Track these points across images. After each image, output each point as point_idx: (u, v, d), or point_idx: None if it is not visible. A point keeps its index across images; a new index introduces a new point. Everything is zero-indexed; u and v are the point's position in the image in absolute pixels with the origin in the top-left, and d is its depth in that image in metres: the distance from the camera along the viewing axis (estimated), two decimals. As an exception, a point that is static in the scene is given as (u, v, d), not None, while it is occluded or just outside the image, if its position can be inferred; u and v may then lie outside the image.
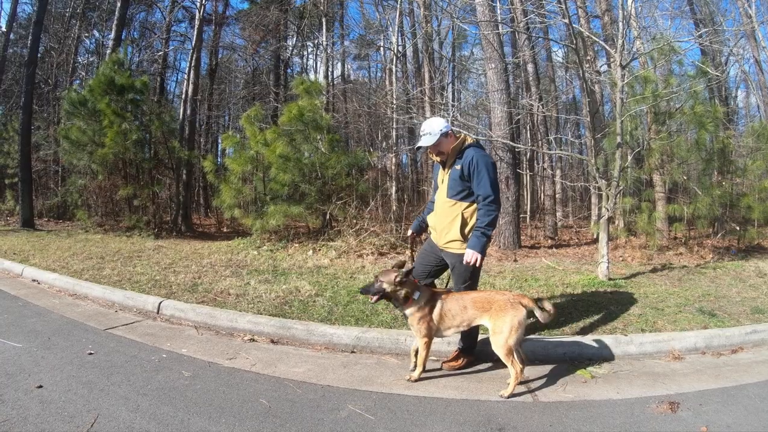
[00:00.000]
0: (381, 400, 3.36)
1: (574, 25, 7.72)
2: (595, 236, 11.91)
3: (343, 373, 3.82)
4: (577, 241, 13.10)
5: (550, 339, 4.39)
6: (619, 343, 4.28)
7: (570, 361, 4.08)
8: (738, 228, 10.54)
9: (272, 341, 4.54)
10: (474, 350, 4.05)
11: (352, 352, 4.33)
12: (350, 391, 3.50)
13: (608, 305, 5.53)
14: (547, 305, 3.60)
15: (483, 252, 3.82)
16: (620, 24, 7.86)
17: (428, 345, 3.70)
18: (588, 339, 4.37)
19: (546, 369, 3.96)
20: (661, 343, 4.32)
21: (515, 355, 3.48)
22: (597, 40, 9.70)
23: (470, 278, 4.00)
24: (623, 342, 4.29)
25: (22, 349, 4.08)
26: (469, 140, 4.12)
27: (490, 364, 4.02)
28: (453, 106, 14.03)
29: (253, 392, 3.41)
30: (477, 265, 3.84)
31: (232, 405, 3.19)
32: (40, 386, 3.34)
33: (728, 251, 9.99)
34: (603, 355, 4.18)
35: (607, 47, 8.74)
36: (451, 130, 4.13)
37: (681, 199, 11.62)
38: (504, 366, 3.53)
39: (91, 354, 4.02)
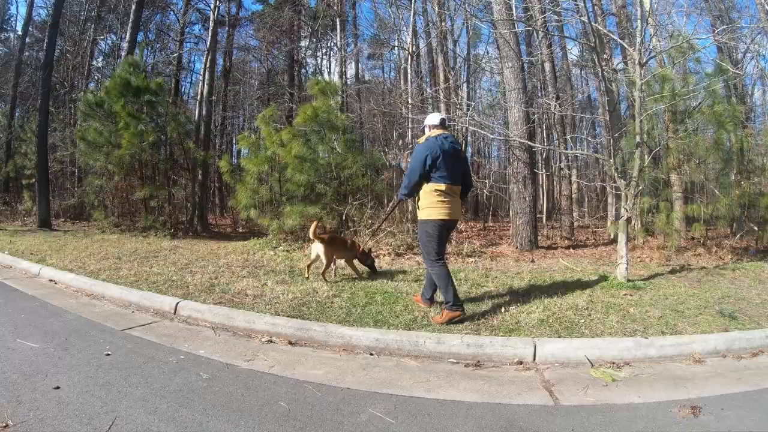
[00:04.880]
0: (401, 403, 3.28)
1: (592, 23, 7.60)
2: (612, 237, 11.84)
3: (362, 376, 3.75)
4: (593, 241, 12.98)
5: (570, 341, 4.29)
6: (639, 345, 4.17)
7: (590, 364, 3.98)
8: (756, 228, 10.32)
9: (290, 343, 4.47)
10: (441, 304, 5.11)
11: (371, 354, 4.24)
12: (370, 394, 3.42)
13: (627, 307, 5.43)
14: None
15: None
16: (639, 21, 7.71)
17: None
18: (608, 341, 4.27)
19: (566, 371, 3.88)
20: (682, 345, 4.22)
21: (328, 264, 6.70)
22: (615, 38, 9.56)
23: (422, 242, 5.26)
24: (644, 344, 4.18)
25: (39, 349, 4.04)
26: (428, 135, 5.24)
27: (512, 368, 3.95)
28: (470, 105, 13.93)
29: (272, 395, 3.34)
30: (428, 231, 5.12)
31: (251, 408, 3.12)
32: (58, 387, 3.29)
33: (747, 252, 9.84)
34: (623, 358, 4.06)
35: (625, 45, 8.59)
36: (428, 126, 5.38)
37: (700, 199, 11.45)
38: (524, 370, 3.77)
39: (108, 355, 3.98)
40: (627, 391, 3.49)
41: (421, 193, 5.14)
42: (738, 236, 10.84)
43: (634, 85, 8.96)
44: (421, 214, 5.17)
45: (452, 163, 5.08)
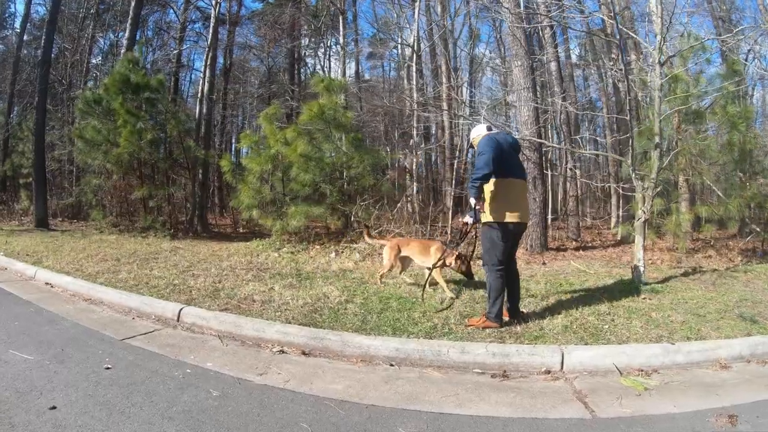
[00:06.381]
0: (433, 420, 3.02)
1: (617, 21, 7.41)
2: (620, 238, 11.97)
3: (386, 390, 3.47)
4: (600, 242, 12.91)
5: (597, 348, 4.12)
6: (667, 352, 4.03)
7: (619, 372, 3.82)
8: (759, 230, 10.29)
9: (304, 353, 4.16)
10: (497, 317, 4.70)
11: (391, 365, 3.97)
12: (398, 411, 3.15)
13: (649, 311, 5.28)
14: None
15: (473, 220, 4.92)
16: (660, 19, 7.54)
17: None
18: (635, 348, 4.14)
19: (596, 380, 3.71)
20: (708, 351, 4.09)
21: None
22: (636, 37, 9.36)
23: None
24: (671, 351, 4.04)
25: (33, 362, 3.72)
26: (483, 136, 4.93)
27: (540, 378, 3.76)
28: (485, 104, 13.72)
29: (291, 414, 3.03)
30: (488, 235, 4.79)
31: (269, 430, 2.82)
32: (54, 407, 2.96)
33: (755, 254, 9.79)
34: (651, 365, 3.92)
35: (646, 43, 8.38)
36: (477, 137, 5.04)
37: (706, 200, 11.39)
38: (554, 380, 3.71)
39: (108, 369, 3.65)
40: (661, 400, 3.35)
41: (487, 190, 4.77)
42: (748, 238, 10.76)
43: (645, 85, 8.79)
44: (487, 216, 4.77)
45: (516, 158, 4.92)
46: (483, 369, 3.88)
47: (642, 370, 3.85)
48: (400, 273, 6.84)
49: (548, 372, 3.83)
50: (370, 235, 7.03)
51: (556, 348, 4.06)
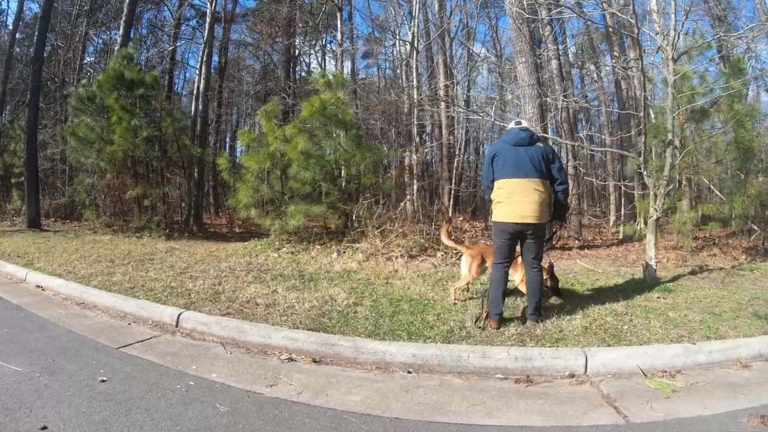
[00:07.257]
0: None
1: (637, 17, 7.30)
2: (621, 236, 12.18)
3: (407, 401, 3.24)
4: (602, 241, 12.79)
5: (620, 350, 4.02)
6: (689, 352, 3.97)
7: (643, 374, 3.73)
8: (757, 229, 10.28)
9: (314, 360, 3.91)
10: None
11: (409, 372, 3.75)
12: (424, 424, 2.93)
13: (666, 311, 5.20)
14: None
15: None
16: (673, 16, 7.43)
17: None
18: (657, 349, 4.06)
19: (621, 383, 3.61)
20: (729, 351, 4.04)
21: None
22: (648, 32, 9.19)
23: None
24: (693, 351, 3.98)
25: (22, 374, 3.41)
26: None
27: (565, 383, 3.63)
28: (496, 99, 13.57)
29: (309, 432, 2.76)
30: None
31: (288, 452, 2.54)
32: (44, 427, 2.65)
33: (757, 252, 9.77)
34: (674, 366, 3.85)
35: (659, 40, 8.21)
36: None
37: (710, 198, 11.36)
38: (579, 384, 3.61)
39: (103, 381, 3.35)
40: (690, 402, 3.30)
41: None
42: (752, 236, 10.71)
43: (649, 81, 8.64)
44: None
45: (517, 155, 4.68)
46: (505, 374, 3.72)
47: (665, 371, 3.79)
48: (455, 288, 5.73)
49: (572, 376, 3.71)
50: (449, 237, 6.01)
51: (579, 351, 3.93)
